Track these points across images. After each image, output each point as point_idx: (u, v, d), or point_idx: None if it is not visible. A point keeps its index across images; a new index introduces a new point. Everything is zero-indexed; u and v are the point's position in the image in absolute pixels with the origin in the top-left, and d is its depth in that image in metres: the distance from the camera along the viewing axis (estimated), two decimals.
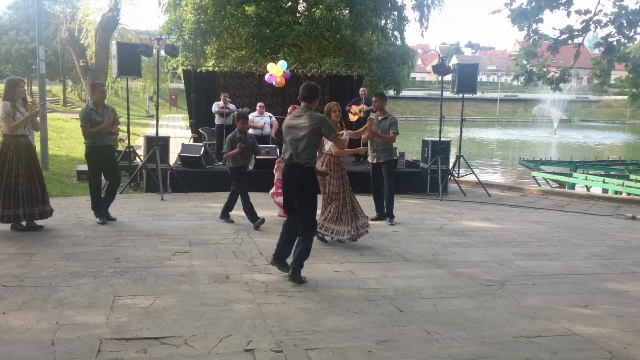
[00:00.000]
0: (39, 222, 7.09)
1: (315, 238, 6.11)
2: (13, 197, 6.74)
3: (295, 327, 4.15)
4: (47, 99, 18.58)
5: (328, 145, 6.63)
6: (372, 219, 8.51)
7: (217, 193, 10.60)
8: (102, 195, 7.77)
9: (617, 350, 3.95)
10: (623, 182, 14.78)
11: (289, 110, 8.27)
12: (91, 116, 7.36)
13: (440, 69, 11.36)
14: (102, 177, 7.81)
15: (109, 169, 7.74)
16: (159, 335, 3.90)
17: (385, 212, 8.45)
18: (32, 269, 5.34)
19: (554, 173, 17.94)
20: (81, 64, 26.20)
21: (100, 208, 7.68)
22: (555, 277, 5.78)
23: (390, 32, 23.76)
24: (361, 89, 13.21)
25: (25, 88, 6.99)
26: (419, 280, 5.47)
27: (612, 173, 18.14)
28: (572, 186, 16.25)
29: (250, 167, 10.14)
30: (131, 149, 11.62)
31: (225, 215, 8.06)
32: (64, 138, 19.88)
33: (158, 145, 10.53)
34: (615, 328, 4.38)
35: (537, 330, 4.27)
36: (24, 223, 6.98)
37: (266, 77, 13.07)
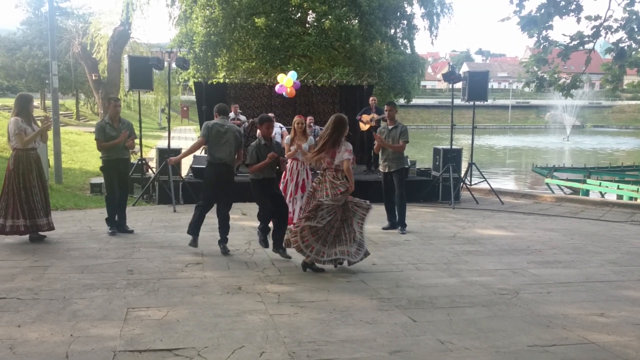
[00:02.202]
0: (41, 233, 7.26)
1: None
2: (29, 208, 6.91)
3: (308, 337, 4.14)
4: (60, 112, 18.80)
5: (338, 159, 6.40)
6: (384, 228, 8.51)
7: None
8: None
9: (634, 359, 3.90)
10: (638, 188, 14.64)
11: (295, 120, 8.33)
12: (105, 130, 7.48)
13: (450, 77, 11.35)
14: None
15: (119, 182, 7.83)
16: (172, 346, 3.91)
17: (397, 221, 8.43)
18: (47, 281, 5.39)
19: (567, 180, 17.83)
20: (93, 78, 26.48)
21: (114, 219, 7.76)
22: (570, 285, 5.72)
23: (400, 40, 23.74)
24: (371, 98, 13.22)
25: (36, 104, 7.16)
26: (432, 290, 5.44)
27: (626, 179, 17.99)
28: (586, 193, 16.12)
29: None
30: (143, 161, 11.71)
31: (265, 241, 6.73)
32: (77, 151, 20.07)
33: (170, 157, 10.57)
34: (631, 336, 4.33)
35: (552, 339, 4.23)
36: (41, 232, 7.13)
37: (276, 87, 13.12)
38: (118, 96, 27.39)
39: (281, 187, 8.59)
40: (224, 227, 6.83)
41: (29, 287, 5.18)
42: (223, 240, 6.83)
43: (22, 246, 6.89)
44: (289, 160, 8.36)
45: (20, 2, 41.35)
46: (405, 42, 23.84)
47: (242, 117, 13.06)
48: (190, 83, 20.07)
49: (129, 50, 27.37)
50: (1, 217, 6.87)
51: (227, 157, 6.68)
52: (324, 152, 6.00)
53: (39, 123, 7.12)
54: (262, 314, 4.61)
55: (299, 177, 8.34)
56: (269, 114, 8.30)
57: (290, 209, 8.33)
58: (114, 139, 7.53)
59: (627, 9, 7.05)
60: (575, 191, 16.63)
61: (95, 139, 7.59)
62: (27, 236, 7.10)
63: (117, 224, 7.82)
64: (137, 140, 12.42)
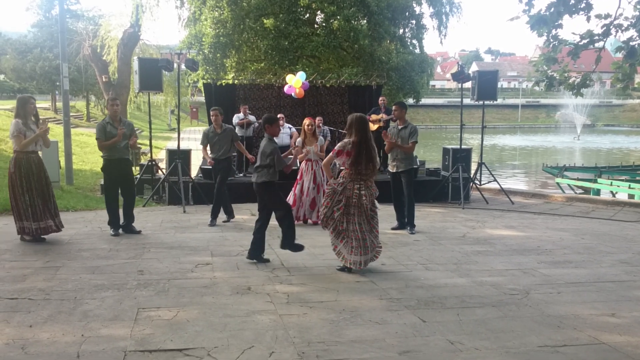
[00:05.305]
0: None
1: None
2: (28, 211, 6.95)
3: (317, 338, 4.14)
4: (71, 114, 18.90)
5: None
6: (393, 229, 8.50)
7: (238, 205, 10.65)
8: (120, 212, 7.89)
9: None
10: None
11: (305, 122, 8.37)
12: (106, 129, 7.51)
13: (459, 76, 11.31)
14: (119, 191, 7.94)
15: (124, 184, 7.85)
16: (182, 347, 3.92)
17: (406, 221, 8.41)
18: (58, 282, 5.43)
19: (578, 179, 17.72)
20: (104, 80, 26.71)
21: (116, 220, 7.79)
22: (581, 285, 5.69)
23: (409, 40, 23.69)
24: (380, 98, 13.21)
25: (36, 105, 7.19)
26: (441, 290, 5.43)
27: (638, 178, 17.85)
28: (597, 192, 16.01)
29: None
30: (153, 162, 11.77)
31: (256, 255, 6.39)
32: (88, 152, 20.21)
33: (180, 158, 10.64)
34: None
35: (563, 339, 4.20)
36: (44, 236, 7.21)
37: (285, 88, 13.13)
38: (128, 97, 27.64)
39: (298, 187, 8.67)
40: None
41: (40, 288, 5.23)
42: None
43: (34, 247, 6.95)
44: (304, 162, 8.49)
45: (31, 5, 41.74)
46: (414, 41, 23.79)
47: (252, 118, 13.09)
48: (200, 84, 20.13)
49: (138, 52, 27.57)
50: (17, 221, 6.98)
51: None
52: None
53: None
54: (272, 314, 4.62)
55: (317, 176, 8.48)
56: (279, 115, 8.46)
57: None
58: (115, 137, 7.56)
59: (638, 7, 7.01)
60: (586, 191, 16.52)
61: (96, 138, 7.61)
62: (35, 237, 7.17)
63: (123, 225, 7.85)
64: (146, 142, 12.53)
